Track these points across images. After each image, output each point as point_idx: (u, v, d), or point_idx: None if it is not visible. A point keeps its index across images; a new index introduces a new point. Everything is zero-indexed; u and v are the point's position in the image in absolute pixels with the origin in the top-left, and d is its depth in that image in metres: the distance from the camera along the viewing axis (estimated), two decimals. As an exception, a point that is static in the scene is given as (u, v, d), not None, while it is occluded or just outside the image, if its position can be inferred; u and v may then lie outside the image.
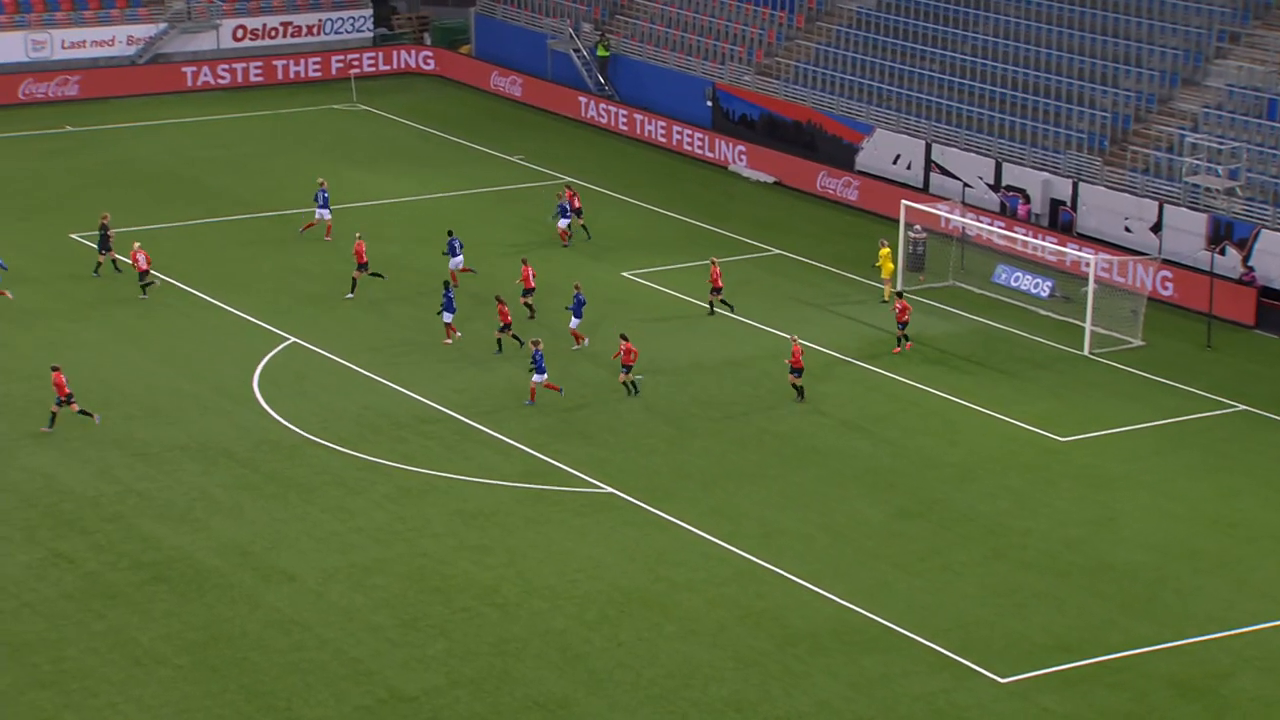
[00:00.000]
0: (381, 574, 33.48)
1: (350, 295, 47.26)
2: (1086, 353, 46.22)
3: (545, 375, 40.98)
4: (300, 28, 72.57)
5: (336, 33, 73.34)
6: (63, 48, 68.00)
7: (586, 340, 44.53)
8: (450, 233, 49.40)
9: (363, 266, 47.17)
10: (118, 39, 69.01)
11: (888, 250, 49.67)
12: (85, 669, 29.86)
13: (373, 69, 72.29)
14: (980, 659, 31.27)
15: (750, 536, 35.51)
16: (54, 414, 38.70)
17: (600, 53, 67.34)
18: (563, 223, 53.04)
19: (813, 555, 34.92)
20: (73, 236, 51.58)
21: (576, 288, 44.82)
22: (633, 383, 41.52)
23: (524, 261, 47.33)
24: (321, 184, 52.81)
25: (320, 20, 73.01)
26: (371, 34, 74.22)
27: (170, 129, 63.95)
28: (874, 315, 48.29)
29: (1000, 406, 42.34)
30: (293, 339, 44.87)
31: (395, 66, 72.97)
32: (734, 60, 64.51)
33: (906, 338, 45.32)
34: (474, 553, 34.48)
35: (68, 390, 38.52)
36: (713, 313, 47.38)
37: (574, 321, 44.52)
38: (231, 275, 49.31)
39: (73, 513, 35.27)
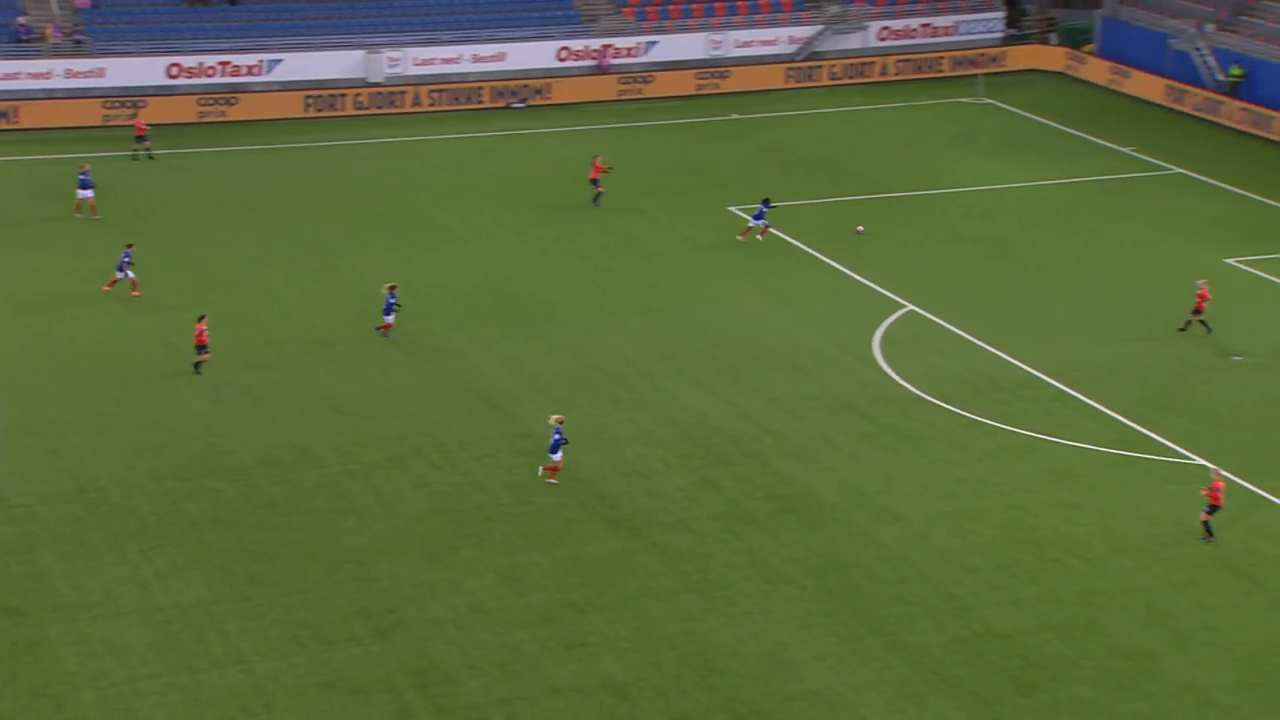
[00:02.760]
0: (978, 521, 33.29)
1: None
2: None
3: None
4: (937, 28, 72.46)
5: (970, 33, 72.75)
6: (735, 46, 70.82)
7: (389, 333, 40.97)
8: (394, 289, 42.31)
9: (201, 348, 39.51)
10: (780, 39, 71.17)
11: None
12: (726, 580, 31.29)
13: (1001, 66, 71.29)
14: None
15: (1342, 518, 32.96)
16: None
17: (1234, 72, 63.28)
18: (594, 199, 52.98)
19: (1407, 542, 32.02)
20: (731, 209, 53.79)
21: (391, 288, 41.32)
22: (1205, 524, 32.39)
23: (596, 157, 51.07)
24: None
25: (956, 22, 72.64)
26: (1002, 34, 73.15)
27: (819, 118, 65.41)
28: None
29: None
30: (910, 306, 45.15)
31: (1022, 64, 71.66)
32: (1356, 57, 59.44)
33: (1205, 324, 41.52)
34: (1064, 509, 33.70)
35: (204, 341, 39.21)
36: (1185, 329, 42.38)
37: (388, 317, 41.21)
38: (861, 248, 50.07)
39: (720, 447, 36.92)
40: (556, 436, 34.55)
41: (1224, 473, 33.22)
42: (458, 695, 27.67)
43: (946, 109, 66.44)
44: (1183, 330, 42.38)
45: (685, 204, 54.26)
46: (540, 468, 34.97)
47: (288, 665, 28.36)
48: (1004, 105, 66.34)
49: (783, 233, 51.36)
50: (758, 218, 49.79)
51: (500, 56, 68.12)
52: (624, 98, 68.04)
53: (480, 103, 66.86)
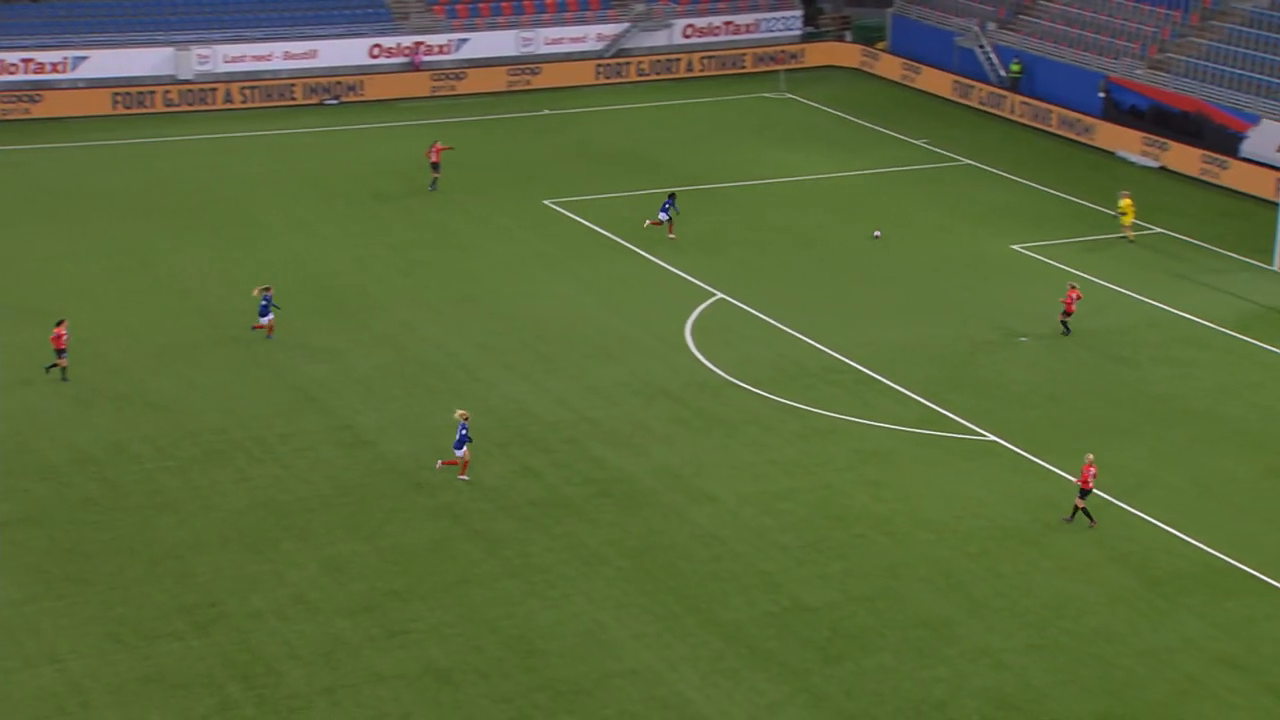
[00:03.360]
0: (789, 501, 33.74)
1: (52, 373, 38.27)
2: None
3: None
4: (739, 26, 73.22)
5: (770, 31, 73.68)
6: (545, 43, 70.58)
7: (271, 335, 39.96)
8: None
9: (60, 352, 37.77)
10: (588, 36, 71.16)
11: (1128, 201, 48.10)
12: (545, 564, 31.17)
13: (800, 63, 72.38)
14: (1340, 613, 29.30)
15: (1122, 487, 34.15)
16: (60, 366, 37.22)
17: (1014, 68, 65.07)
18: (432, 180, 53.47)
19: (1181, 506, 33.35)
20: (546, 202, 53.65)
21: (266, 289, 40.31)
22: (1085, 510, 32.46)
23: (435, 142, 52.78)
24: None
25: (756, 20, 73.51)
26: (800, 31, 74.27)
27: (628, 114, 65.61)
28: (1248, 289, 45.56)
29: (1371, 380, 39.39)
30: (720, 295, 45.56)
31: (820, 61, 72.86)
32: (1128, 55, 61.68)
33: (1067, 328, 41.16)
34: (870, 487, 34.35)
35: (63, 345, 37.26)
36: (1067, 333, 41.78)
37: (264, 318, 40.09)
38: (670, 238, 50.29)
39: (537, 434, 36.78)
40: (461, 432, 33.80)
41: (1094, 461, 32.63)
42: (281, 685, 27.06)
43: (750, 104, 67.21)
44: (1065, 334, 41.57)
45: (500, 198, 53.95)
46: (439, 461, 34.30)
47: (105, 662, 27.41)
48: (804, 100, 67.37)
49: (595, 224, 51.42)
50: (664, 210, 49.04)
51: (312, 54, 66.87)
52: (437, 94, 67.38)
53: (293, 99, 65.57)
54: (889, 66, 70.92)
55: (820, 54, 73.18)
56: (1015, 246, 49.60)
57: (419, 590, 30.02)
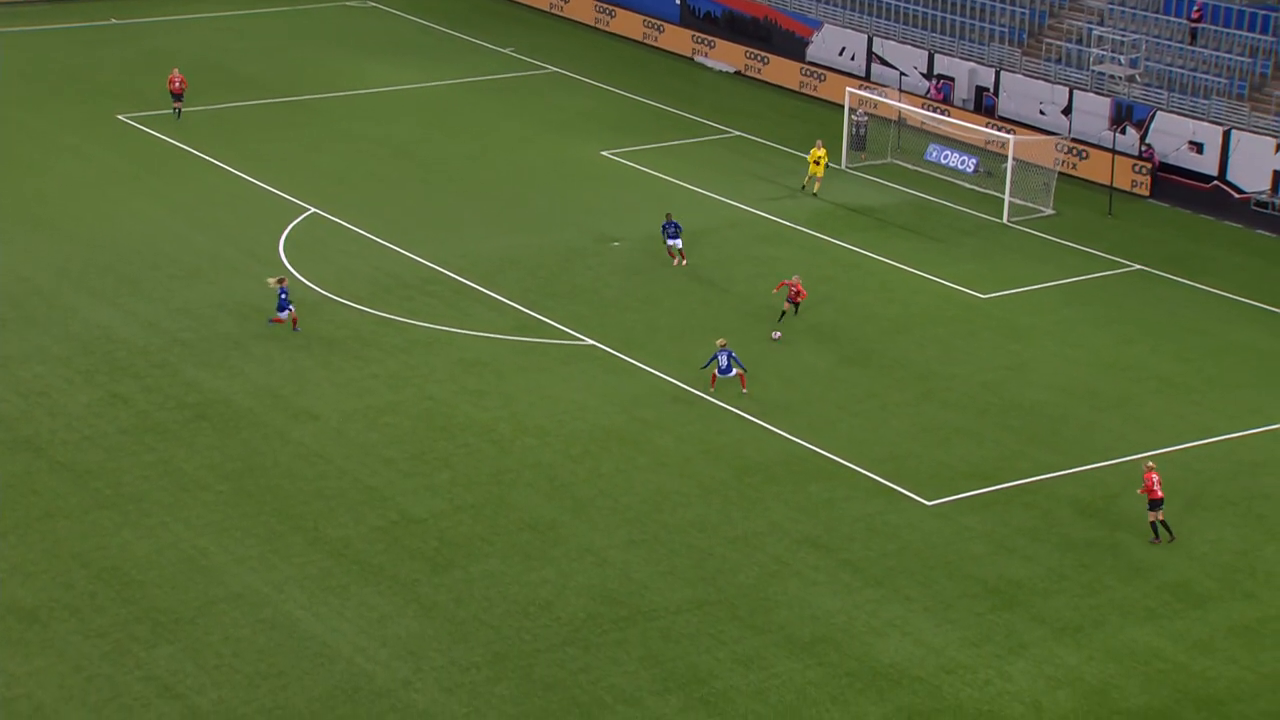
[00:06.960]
0: (393, 414, 33.45)
1: None
2: (1005, 221, 46.11)
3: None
4: (318, -68, 70.87)
5: (350, -63, 71.65)
6: (107, -51, 66.45)
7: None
8: None
9: None
10: (156, -58, 67.38)
11: (819, 152, 46.69)
12: (139, 493, 29.90)
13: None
14: (910, 485, 31.50)
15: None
16: None
17: None
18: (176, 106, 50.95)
19: (767, 399, 34.98)
20: (119, 117, 50.76)
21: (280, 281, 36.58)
22: (1164, 524, 29.40)
23: (175, 69, 50.69)
24: None
25: (336, -74, 71.30)
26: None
27: (202, 23, 62.70)
28: (821, 189, 47.92)
29: (930, 268, 42.26)
30: (312, 209, 44.44)
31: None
32: (701, -37, 63.36)
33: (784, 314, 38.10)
34: (473, 396, 34.45)
35: None
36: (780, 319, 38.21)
37: (282, 313, 36.13)
38: (258, 153, 48.68)
39: (126, 360, 35.08)
40: (725, 357, 33.93)
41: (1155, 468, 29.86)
42: None
43: (333, 13, 65.40)
44: (788, 316, 38.26)
45: (68, 113, 50.72)
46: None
47: None
48: (389, 9, 66.06)
49: (176, 140, 49.06)
50: (673, 238, 41.22)
51: None
52: (-8, 2, 62.56)
53: None
54: (473, -26, 70.27)
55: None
56: (605, 153, 50.44)
57: None
